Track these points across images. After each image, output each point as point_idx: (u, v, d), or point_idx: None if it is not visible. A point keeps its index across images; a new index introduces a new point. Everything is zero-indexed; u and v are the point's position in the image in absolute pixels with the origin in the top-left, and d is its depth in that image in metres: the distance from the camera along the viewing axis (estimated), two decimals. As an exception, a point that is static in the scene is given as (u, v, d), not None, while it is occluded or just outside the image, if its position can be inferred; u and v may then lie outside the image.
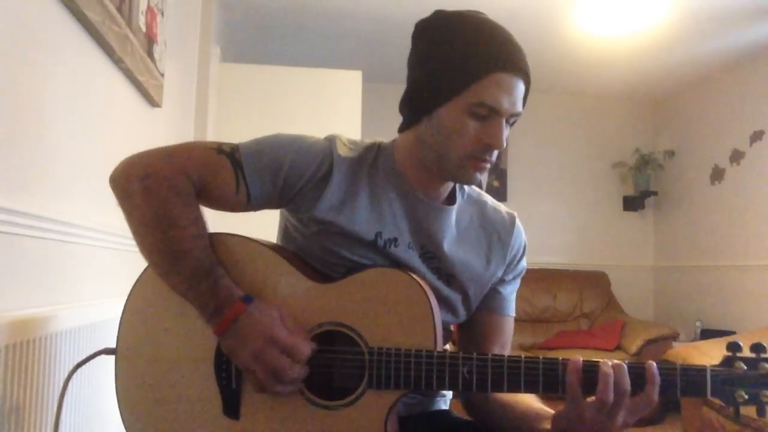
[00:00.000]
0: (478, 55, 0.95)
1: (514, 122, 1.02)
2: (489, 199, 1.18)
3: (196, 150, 1.04)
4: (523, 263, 1.18)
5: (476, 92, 0.95)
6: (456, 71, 0.96)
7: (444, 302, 1.08)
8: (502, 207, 1.18)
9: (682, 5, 3.48)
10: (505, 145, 0.99)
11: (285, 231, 1.13)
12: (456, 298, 1.10)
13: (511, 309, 1.17)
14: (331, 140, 1.07)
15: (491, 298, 1.15)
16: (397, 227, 1.06)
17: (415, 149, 1.06)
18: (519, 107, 0.99)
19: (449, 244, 1.08)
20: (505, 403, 1.06)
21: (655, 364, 0.91)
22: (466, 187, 1.16)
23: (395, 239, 1.06)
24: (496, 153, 1.01)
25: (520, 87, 0.98)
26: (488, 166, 1.02)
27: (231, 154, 1.02)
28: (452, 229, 1.10)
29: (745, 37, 3.90)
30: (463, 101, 0.96)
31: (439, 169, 1.04)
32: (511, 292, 1.17)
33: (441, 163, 1.02)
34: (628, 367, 0.91)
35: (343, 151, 1.06)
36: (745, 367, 0.91)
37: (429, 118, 1.01)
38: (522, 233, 1.17)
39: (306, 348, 0.95)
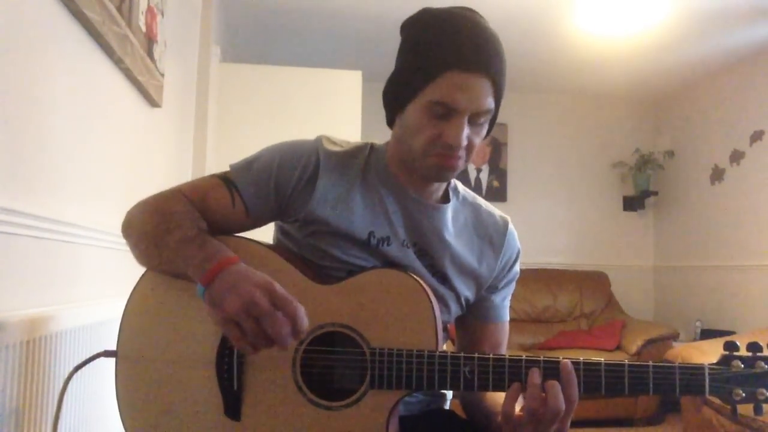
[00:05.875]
0: (436, 53, 0.96)
1: (488, 122, 1.01)
2: (483, 203, 1.19)
3: (190, 181, 1.11)
4: (516, 269, 1.18)
5: (433, 90, 0.96)
6: (417, 70, 0.98)
7: (439, 300, 1.08)
8: (496, 211, 1.19)
9: (682, 5, 3.47)
10: (464, 143, 0.98)
11: (278, 243, 1.15)
12: (449, 296, 1.11)
13: (505, 315, 1.19)
14: (317, 139, 1.10)
15: (485, 308, 1.16)
16: (391, 226, 1.07)
17: (397, 147, 1.08)
18: (481, 105, 0.97)
19: (443, 243, 1.09)
20: (481, 398, 1.10)
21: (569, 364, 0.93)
22: (460, 189, 1.17)
23: (387, 238, 1.07)
24: (463, 151, 1.00)
25: (480, 85, 0.96)
26: (457, 164, 1.01)
27: (222, 174, 1.08)
28: (447, 228, 1.10)
29: (745, 37, 3.90)
30: (423, 99, 0.98)
31: (412, 167, 1.05)
32: (503, 299, 1.18)
33: (411, 160, 1.04)
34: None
35: (329, 146, 1.09)
36: (743, 366, 0.92)
37: (401, 116, 1.03)
38: (515, 238, 1.18)
39: (302, 312, 0.85)
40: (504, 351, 1.19)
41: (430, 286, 1.06)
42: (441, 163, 1.00)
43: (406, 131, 1.02)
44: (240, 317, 0.83)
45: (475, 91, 0.96)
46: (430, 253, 1.09)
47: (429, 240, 1.09)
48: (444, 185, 1.13)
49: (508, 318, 1.19)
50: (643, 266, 5.24)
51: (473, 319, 1.17)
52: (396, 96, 1.03)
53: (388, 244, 1.06)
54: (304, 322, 0.85)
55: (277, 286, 0.86)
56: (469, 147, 1.00)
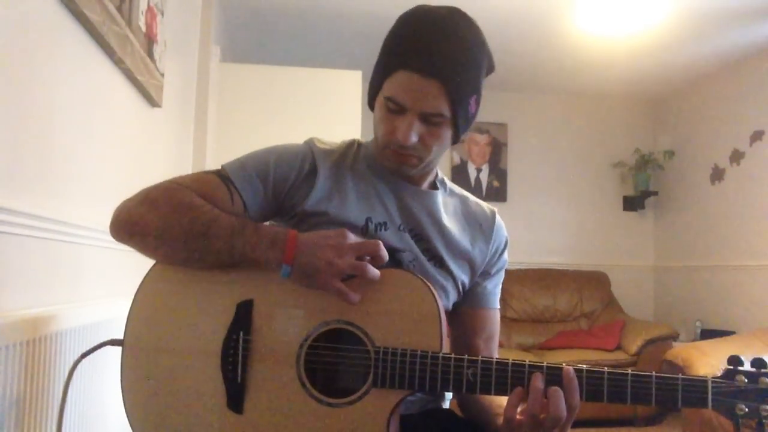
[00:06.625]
0: (394, 51, 1.01)
1: (449, 126, 1.02)
2: (470, 195, 1.24)
3: (183, 175, 1.09)
4: (506, 257, 1.22)
5: (387, 87, 1.02)
6: (380, 65, 1.04)
7: (436, 286, 1.09)
8: (483, 203, 1.23)
9: (682, 5, 3.48)
10: (412, 140, 1.01)
11: None
12: (447, 281, 1.13)
13: (496, 302, 1.22)
14: (308, 141, 1.14)
15: (477, 294, 1.19)
16: (387, 212, 1.10)
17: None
18: (428, 106, 0.99)
19: (437, 225, 1.12)
20: (478, 397, 1.11)
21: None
22: (447, 182, 1.21)
23: (384, 223, 1.09)
24: (421, 150, 1.03)
25: (428, 87, 0.98)
26: (411, 161, 1.05)
27: (216, 172, 1.08)
28: (440, 212, 1.14)
29: (745, 37, 3.90)
30: (382, 95, 1.03)
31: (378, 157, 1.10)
32: (494, 286, 1.21)
33: (377, 151, 1.09)
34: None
35: (322, 146, 1.13)
36: (746, 381, 0.91)
37: (373, 109, 1.09)
38: (503, 228, 1.22)
39: (379, 249, 0.97)
40: (497, 343, 1.21)
41: (427, 272, 1.08)
42: (395, 158, 1.05)
43: (374, 122, 1.08)
44: (333, 283, 0.95)
45: (422, 92, 0.98)
46: (426, 238, 1.11)
47: (423, 224, 1.11)
48: (432, 176, 1.16)
49: (498, 306, 1.22)
50: (643, 266, 5.24)
51: (466, 306, 1.19)
52: (370, 87, 1.08)
53: (385, 229, 1.09)
54: (384, 255, 0.98)
55: (347, 241, 0.96)
56: (425, 147, 1.03)
